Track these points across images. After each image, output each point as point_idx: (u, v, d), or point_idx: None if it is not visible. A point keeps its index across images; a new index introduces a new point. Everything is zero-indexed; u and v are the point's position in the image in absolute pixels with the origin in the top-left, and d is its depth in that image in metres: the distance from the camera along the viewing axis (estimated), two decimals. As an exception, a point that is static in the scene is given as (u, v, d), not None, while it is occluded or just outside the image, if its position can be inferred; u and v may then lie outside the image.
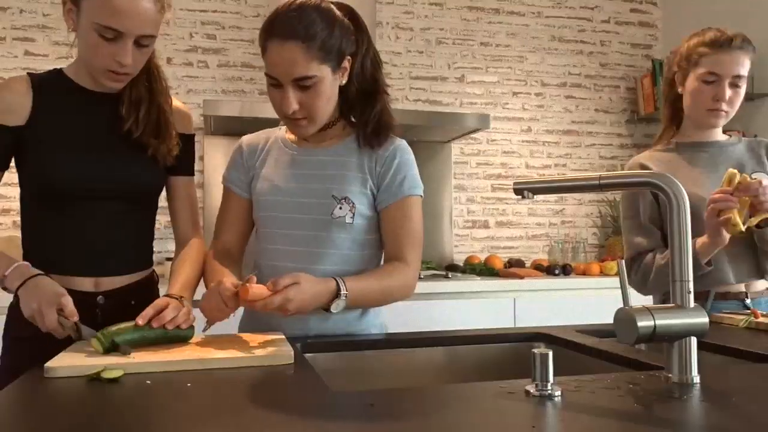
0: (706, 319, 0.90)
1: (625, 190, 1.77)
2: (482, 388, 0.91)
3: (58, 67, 1.39)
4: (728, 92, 1.65)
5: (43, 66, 3.02)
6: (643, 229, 1.70)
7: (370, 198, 1.37)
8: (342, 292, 1.23)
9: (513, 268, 3.14)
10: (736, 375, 1.00)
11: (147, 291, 1.44)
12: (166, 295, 1.27)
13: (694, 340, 0.90)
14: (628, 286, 0.97)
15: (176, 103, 1.45)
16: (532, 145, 3.62)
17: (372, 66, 1.37)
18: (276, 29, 1.25)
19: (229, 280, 1.22)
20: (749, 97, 3.22)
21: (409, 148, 1.43)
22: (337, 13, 1.30)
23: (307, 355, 1.15)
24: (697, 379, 0.89)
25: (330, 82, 1.29)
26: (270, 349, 1.11)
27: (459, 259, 3.42)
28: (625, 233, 1.76)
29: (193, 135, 1.50)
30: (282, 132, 1.47)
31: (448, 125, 3.06)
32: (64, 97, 1.34)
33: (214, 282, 1.27)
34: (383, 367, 1.26)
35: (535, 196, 1.05)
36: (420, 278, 2.82)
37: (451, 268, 3.26)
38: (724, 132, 1.80)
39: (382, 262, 1.41)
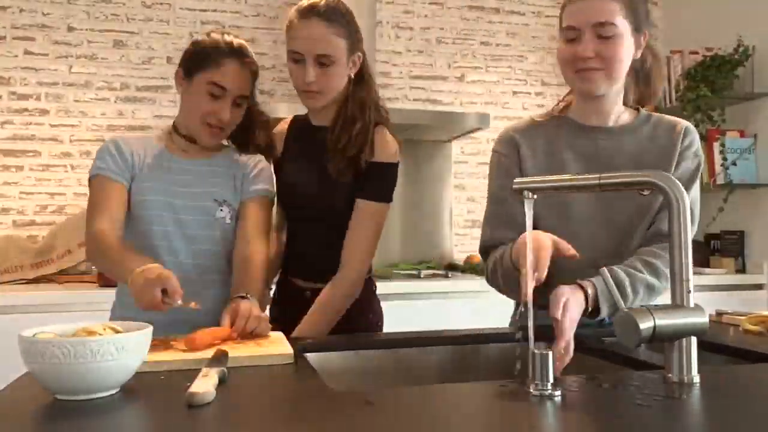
0: (706, 319, 0.90)
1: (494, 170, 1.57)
2: (482, 388, 0.91)
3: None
4: (592, 45, 1.32)
5: (43, 65, 3.05)
6: (509, 218, 1.43)
7: (238, 200, 1.50)
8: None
9: (513, 267, 3.13)
10: (736, 375, 1.00)
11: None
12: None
13: (694, 340, 0.90)
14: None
15: None
16: (532, 145, 3.62)
17: None
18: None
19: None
20: (749, 97, 3.20)
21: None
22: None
23: (307, 354, 1.15)
24: (697, 379, 0.89)
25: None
26: (269, 349, 1.11)
27: (459, 258, 3.41)
28: (487, 218, 1.54)
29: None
30: (160, 144, 1.51)
31: (448, 125, 3.06)
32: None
33: (136, 267, 1.25)
34: (383, 366, 1.26)
35: (535, 196, 1.04)
36: (420, 278, 2.84)
37: (451, 268, 3.26)
38: (630, 106, 1.46)
39: (234, 257, 1.46)
